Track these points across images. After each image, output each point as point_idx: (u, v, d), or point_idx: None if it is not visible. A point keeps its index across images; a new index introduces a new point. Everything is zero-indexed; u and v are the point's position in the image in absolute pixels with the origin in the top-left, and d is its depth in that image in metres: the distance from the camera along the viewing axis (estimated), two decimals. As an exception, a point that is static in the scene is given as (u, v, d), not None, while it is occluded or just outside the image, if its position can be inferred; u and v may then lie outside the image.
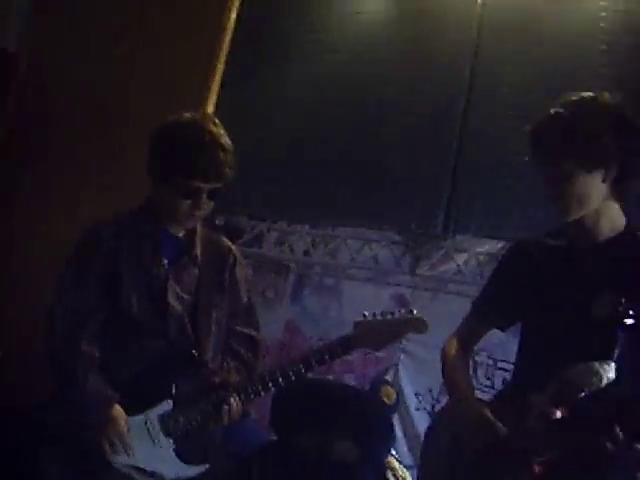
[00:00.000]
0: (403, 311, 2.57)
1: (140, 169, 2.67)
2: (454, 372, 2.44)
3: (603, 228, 2.21)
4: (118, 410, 2.44)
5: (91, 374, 2.46)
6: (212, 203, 2.59)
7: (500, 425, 2.15)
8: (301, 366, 2.53)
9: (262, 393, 2.54)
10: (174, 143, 2.55)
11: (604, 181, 2.15)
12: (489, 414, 2.19)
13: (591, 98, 2.20)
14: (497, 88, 4.28)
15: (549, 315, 2.22)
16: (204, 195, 2.53)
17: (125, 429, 2.41)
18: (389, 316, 2.55)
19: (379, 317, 2.54)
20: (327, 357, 2.53)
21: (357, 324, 2.55)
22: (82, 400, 2.43)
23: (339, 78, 4.70)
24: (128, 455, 2.41)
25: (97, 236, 2.59)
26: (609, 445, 1.88)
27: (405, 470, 3.24)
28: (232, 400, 2.49)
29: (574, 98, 2.21)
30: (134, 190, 2.81)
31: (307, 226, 4.62)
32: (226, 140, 2.57)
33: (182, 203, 2.54)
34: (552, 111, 2.20)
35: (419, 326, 2.56)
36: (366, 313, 2.55)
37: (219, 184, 2.55)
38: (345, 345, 2.54)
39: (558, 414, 2.03)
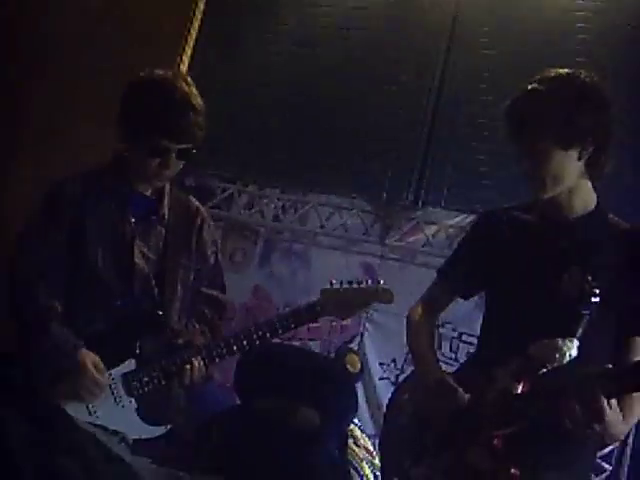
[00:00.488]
0: (370, 281, 2.57)
1: (112, 124, 2.62)
2: (418, 338, 2.45)
3: (575, 206, 2.21)
4: (87, 353, 2.42)
5: (54, 324, 2.44)
6: (182, 163, 2.56)
7: (462, 393, 2.16)
8: (266, 331, 2.52)
9: (226, 356, 2.53)
10: (145, 99, 2.51)
11: (579, 159, 2.15)
12: (452, 381, 2.20)
13: (568, 74, 2.18)
14: (472, 62, 4.28)
15: (515, 289, 2.23)
16: (173, 155, 2.50)
17: (98, 371, 2.41)
18: (356, 285, 2.55)
19: (346, 286, 2.54)
20: (293, 323, 2.53)
21: (324, 292, 2.56)
22: (46, 350, 2.41)
23: (315, 47, 4.68)
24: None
25: (62, 191, 2.56)
26: (567, 422, 1.90)
27: (367, 439, 3.27)
28: (195, 361, 2.48)
29: (551, 74, 2.19)
30: (105, 147, 2.76)
31: (278, 190, 4.60)
32: (198, 100, 2.53)
33: (150, 162, 2.51)
34: (529, 87, 2.18)
35: (386, 296, 2.57)
36: (333, 281, 2.55)
37: (188, 145, 2.52)
38: (311, 312, 2.54)
39: (519, 389, 2.05)
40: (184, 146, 2.51)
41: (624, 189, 3.44)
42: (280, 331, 2.53)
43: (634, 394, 2.02)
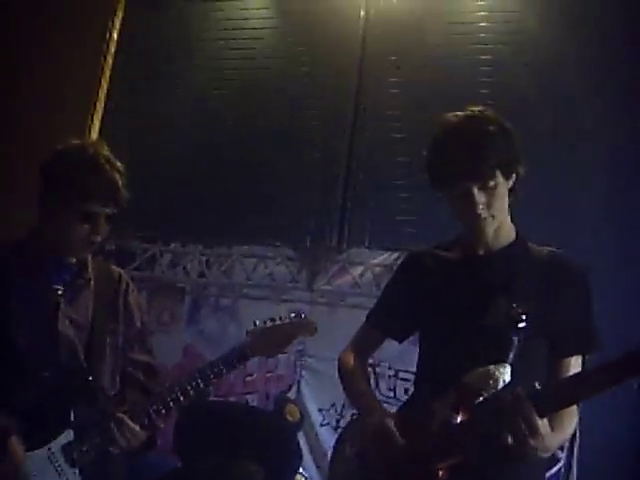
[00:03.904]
0: (293, 315, 2.59)
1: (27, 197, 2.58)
2: (356, 384, 2.44)
3: (500, 238, 2.24)
4: (16, 441, 2.33)
5: None
6: (108, 228, 2.54)
7: (402, 438, 2.15)
8: (199, 379, 2.49)
9: (163, 411, 2.48)
10: (68, 169, 2.49)
11: (510, 190, 2.19)
12: (391, 426, 2.19)
13: (480, 110, 2.20)
14: (384, 103, 4.38)
15: (446, 324, 2.24)
16: (102, 219, 2.49)
17: (21, 460, 2.32)
18: (279, 321, 2.56)
19: (269, 323, 2.56)
20: (223, 368, 2.51)
21: (248, 332, 2.56)
22: None
23: (227, 97, 4.72)
24: None
25: None
26: (509, 439, 1.93)
27: (313, 487, 3.24)
28: (126, 419, 2.43)
29: (469, 113, 2.19)
30: (19, 218, 2.71)
31: (200, 246, 4.57)
32: (119, 164, 2.54)
33: (79, 229, 2.47)
34: (453, 128, 2.17)
35: (309, 329, 2.58)
36: (257, 321, 2.56)
37: (117, 207, 2.51)
38: (239, 354, 2.53)
39: (458, 419, 2.06)
40: (112, 209, 2.50)
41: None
42: (212, 378, 2.50)
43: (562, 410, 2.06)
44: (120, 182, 2.50)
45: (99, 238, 2.53)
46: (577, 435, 3.38)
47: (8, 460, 2.30)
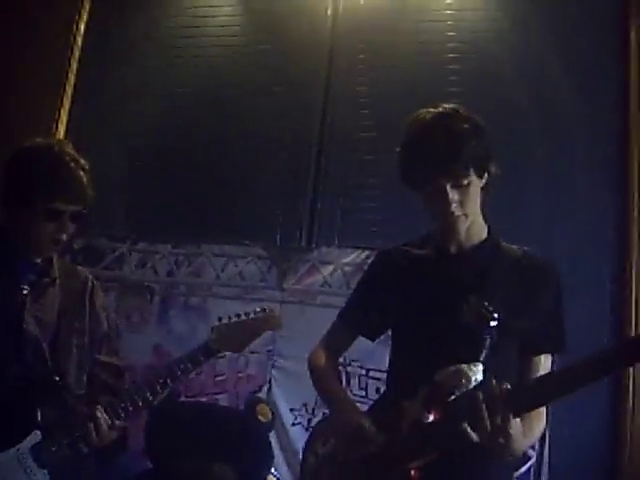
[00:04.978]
0: (258, 310, 2.60)
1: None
2: (327, 382, 2.44)
3: (473, 236, 2.24)
4: None
5: None
6: (74, 227, 2.51)
7: (375, 436, 2.15)
8: (166, 377, 2.49)
9: (131, 409, 2.46)
10: (33, 167, 2.48)
11: (483, 188, 2.19)
12: (367, 425, 2.18)
13: (452, 107, 2.20)
14: (353, 98, 4.38)
15: (417, 323, 2.25)
16: (67, 217, 2.46)
17: None
18: (244, 317, 2.58)
19: (234, 319, 2.57)
20: (189, 365, 2.51)
21: (214, 328, 2.56)
22: None
23: (195, 95, 4.69)
24: None
25: None
26: (476, 437, 1.93)
27: (285, 487, 3.23)
28: (99, 415, 2.40)
29: (442, 110, 2.18)
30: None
31: (169, 245, 4.54)
32: (84, 162, 2.53)
33: (44, 228, 2.45)
34: (426, 125, 2.16)
35: (274, 323, 2.60)
36: (222, 318, 2.56)
37: (82, 206, 2.49)
38: (205, 351, 2.53)
39: (430, 417, 2.06)
40: (77, 208, 2.48)
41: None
42: (179, 374, 2.50)
43: (533, 411, 2.07)
44: (85, 179, 2.49)
45: (65, 237, 2.50)
46: (547, 433, 3.41)
47: None
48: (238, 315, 2.57)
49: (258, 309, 2.61)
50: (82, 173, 2.49)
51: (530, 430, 2.09)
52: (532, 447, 3.50)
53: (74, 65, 4.79)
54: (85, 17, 4.87)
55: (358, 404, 2.46)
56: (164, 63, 4.82)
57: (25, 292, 2.51)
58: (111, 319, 2.76)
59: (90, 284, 2.70)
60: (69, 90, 4.76)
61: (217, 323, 2.56)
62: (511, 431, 1.92)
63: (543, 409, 2.15)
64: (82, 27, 4.86)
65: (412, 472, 2.07)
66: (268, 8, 4.69)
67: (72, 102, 4.76)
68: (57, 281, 2.58)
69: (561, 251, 3.70)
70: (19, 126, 4.29)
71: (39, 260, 2.57)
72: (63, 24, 4.79)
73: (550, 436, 3.47)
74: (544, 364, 2.22)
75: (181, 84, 4.76)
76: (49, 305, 2.55)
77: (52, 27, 4.76)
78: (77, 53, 4.82)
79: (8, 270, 2.51)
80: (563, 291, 2.25)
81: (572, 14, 4.12)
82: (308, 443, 2.52)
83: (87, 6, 4.87)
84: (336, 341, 2.50)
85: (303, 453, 2.52)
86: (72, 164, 2.48)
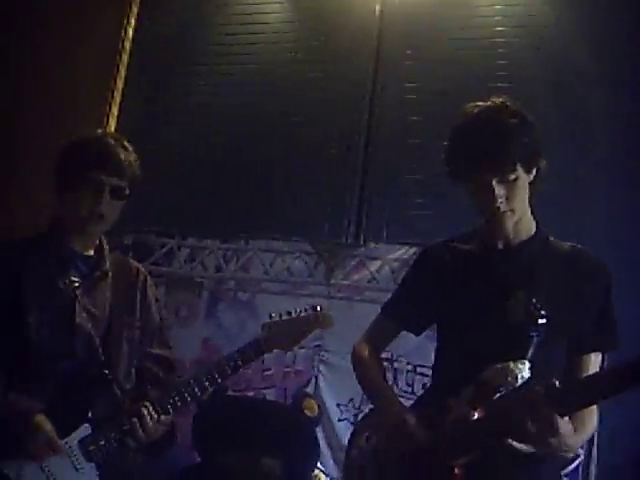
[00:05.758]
0: (309, 308, 2.57)
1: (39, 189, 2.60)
2: (370, 376, 2.43)
3: (520, 231, 2.22)
4: (41, 417, 2.34)
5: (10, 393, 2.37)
6: (117, 206, 2.53)
7: (420, 432, 2.14)
8: (215, 374, 2.49)
9: (179, 405, 2.49)
10: (82, 152, 2.51)
11: (531, 183, 2.17)
12: (412, 422, 2.17)
13: (502, 102, 2.17)
14: (400, 96, 4.37)
15: (463, 319, 2.23)
16: (106, 189, 2.47)
17: (52, 434, 2.33)
18: (295, 315, 2.55)
19: (286, 317, 2.55)
20: (240, 362, 2.50)
21: (264, 326, 2.55)
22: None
23: (244, 92, 4.72)
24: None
25: None
26: (516, 444, 1.91)
27: (332, 483, 3.23)
28: (145, 412, 2.43)
29: (490, 104, 2.17)
30: (35, 208, 2.73)
31: (218, 241, 4.58)
32: (128, 144, 2.55)
33: (84, 200, 2.47)
34: (474, 119, 2.14)
35: (325, 322, 2.56)
36: (273, 314, 2.55)
37: (121, 181, 2.50)
38: (256, 348, 2.53)
39: (475, 415, 2.05)
40: (116, 181, 2.48)
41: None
42: (229, 372, 2.50)
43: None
44: (125, 156, 2.50)
45: (104, 209, 2.49)
46: (595, 431, 3.36)
47: (34, 439, 2.32)
48: (289, 312, 2.54)
49: (308, 307, 2.57)
50: (123, 150, 2.51)
51: (582, 428, 2.07)
52: (581, 446, 3.46)
53: (123, 63, 4.86)
54: (133, 21, 4.95)
55: (404, 400, 2.46)
56: (213, 61, 4.86)
57: (77, 285, 2.55)
58: (162, 312, 2.79)
59: (142, 277, 2.72)
60: (119, 85, 4.83)
61: (267, 320, 2.55)
62: (560, 430, 1.90)
63: (594, 406, 2.12)
64: (132, 25, 4.92)
65: (455, 470, 2.05)
66: (317, 4, 4.70)
67: (122, 98, 4.83)
68: (109, 274, 2.61)
69: (613, 247, 3.64)
70: (72, 120, 4.35)
71: (90, 252, 2.61)
72: (112, 16, 4.86)
73: (599, 434, 3.42)
74: (594, 363, 2.19)
75: (230, 81, 4.79)
76: (101, 299, 2.57)
77: (102, 19, 4.83)
78: (126, 51, 4.88)
79: (61, 263, 2.54)
80: (612, 288, 2.21)
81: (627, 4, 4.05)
82: (352, 437, 2.52)
83: (135, 10, 4.94)
84: (379, 335, 2.49)
85: (347, 447, 2.52)
86: (114, 141, 2.52)
